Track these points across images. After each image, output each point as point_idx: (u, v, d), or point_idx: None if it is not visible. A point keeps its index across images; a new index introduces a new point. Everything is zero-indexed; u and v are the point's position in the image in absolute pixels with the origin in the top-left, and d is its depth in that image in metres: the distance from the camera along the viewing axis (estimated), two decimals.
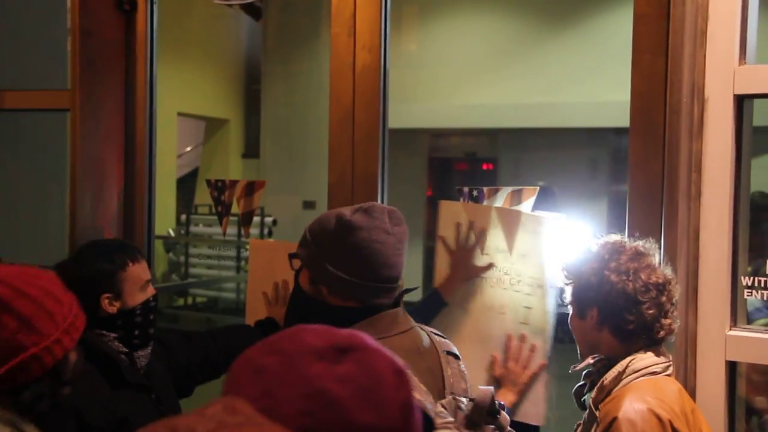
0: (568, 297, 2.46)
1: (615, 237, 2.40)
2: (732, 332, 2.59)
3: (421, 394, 1.91)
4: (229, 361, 3.04)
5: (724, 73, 2.58)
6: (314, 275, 2.19)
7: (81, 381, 2.37)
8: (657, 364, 2.28)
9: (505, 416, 2.04)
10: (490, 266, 3.03)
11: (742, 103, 2.60)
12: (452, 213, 3.12)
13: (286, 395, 1.10)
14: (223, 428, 0.97)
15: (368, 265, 2.13)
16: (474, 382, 2.36)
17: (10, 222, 4.04)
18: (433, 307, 3.03)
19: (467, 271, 3.05)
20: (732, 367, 2.61)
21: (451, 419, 1.96)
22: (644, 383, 2.24)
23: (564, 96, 9.43)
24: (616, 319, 2.28)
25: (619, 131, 9.56)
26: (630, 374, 2.26)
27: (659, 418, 2.13)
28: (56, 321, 1.98)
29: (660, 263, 2.37)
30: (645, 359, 2.28)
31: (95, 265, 2.61)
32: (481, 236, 3.04)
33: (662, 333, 2.30)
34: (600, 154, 10.04)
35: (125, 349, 2.65)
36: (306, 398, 1.10)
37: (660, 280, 2.29)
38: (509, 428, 2.10)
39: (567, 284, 2.42)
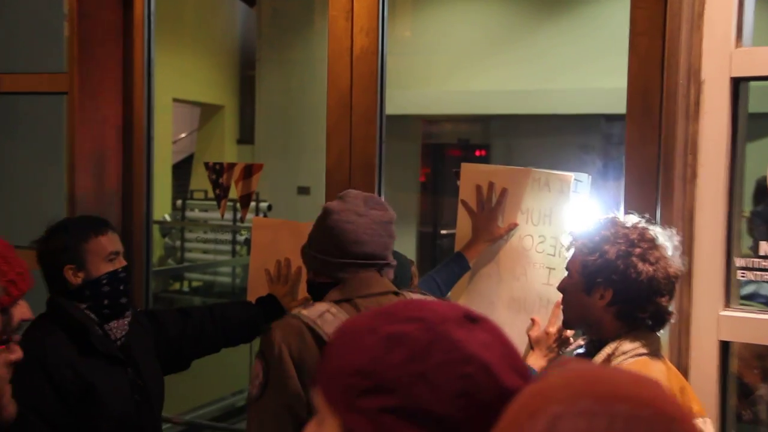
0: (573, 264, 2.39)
1: (634, 218, 2.34)
2: (725, 312, 2.61)
3: None
4: (226, 336, 3.07)
5: (720, 56, 2.59)
6: (306, 264, 2.48)
7: (50, 345, 2.54)
8: (645, 345, 2.28)
9: None
10: (513, 226, 3.02)
11: (738, 85, 2.61)
12: (473, 175, 3.11)
13: (441, 359, 1.11)
14: None
15: (338, 243, 2.34)
16: None
17: (7, 205, 4.06)
18: (457, 271, 3.05)
19: (491, 234, 3.05)
20: (725, 346, 2.64)
21: None
22: (632, 365, 2.24)
23: (555, 83, 9.46)
24: (632, 305, 2.25)
25: (609, 117, 9.60)
26: (619, 356, 2.26)
27: None
28: None
29: (673, 253, 2.30)
30: (634, 340, 2.28)
31: (57, 239, 2.71)
32: (503, 197, 3.03)
33: (666, 324, 2.32)
34: (591, 140, 10.10)
35: (97, 319, 2.71)
36: (462, 363, 1.11)
37: (678, 273, 2.28)
38: None
39: (587, 255, 2.31)
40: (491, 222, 3.05)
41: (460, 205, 3.14)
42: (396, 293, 2.36)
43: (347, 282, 2.33)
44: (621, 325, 2.29)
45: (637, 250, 2.23)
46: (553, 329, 2.82)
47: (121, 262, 2.77)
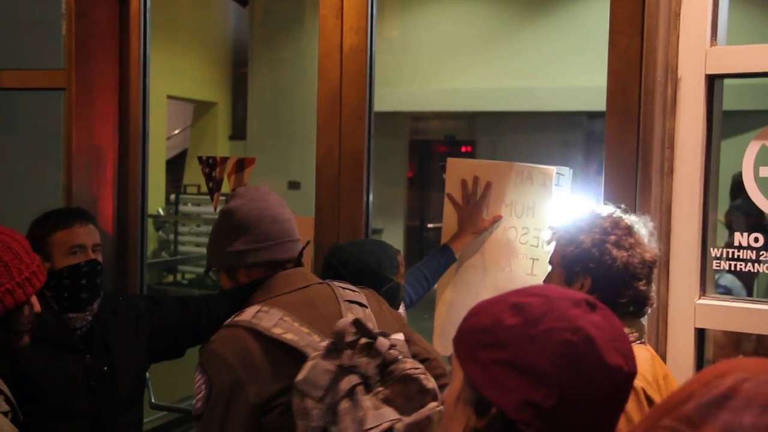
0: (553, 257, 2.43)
1: (610, 208, 2.39)
2: (701, 301, 2.69)
3: (297, 335, 2.15)
4: (220, 326, 3.11)
5: (696, 54, 2.67)
6: (228, 269, 2.41)
7: None
8: (629, 331, 2.31)
9: (381, 341, 2.08)
10: (498, 218, 3.10)
11: (713, 82, 2.69)
12: (458, 170, 3.19)
13: (550, 326, 1.29)
14: None
15: (261, 228, 2.36)
16: None
17: (4, 199, 4.10)
18: (443, 262, 3.13)
19: (476, 226, 3.13)
20: (701, 333, 2.72)
21: (320, 351, 2.09)
22: None
23: (539, 81, 9.55)
24: (611, 292, 2.26)
25: (591, 115, 9.70)
26: None
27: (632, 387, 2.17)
28: (11, 273, 2.13)
29: (648, 239, 2.36)
30: None
31: (32, 229, 2.79)
32: (488, 190, 3.11)
33: (647, 308, 2.35)
34: (573, 136, 10.23)
35: (57, 308, 2.77)
36: (569, 331, 1.27)
37: (654, 258, 2.32)
38: (397, 353, 2.11)
39: (565, 246, 2.36)
40: (476, 215, 3.13)
41: (446, 199, 3.22)
42: (320, 282, 2.38)
43: (268, 283, 2.33)
44: None
45: (612, 238, 2.28)
46: None
47: (87, 256, 2.80)
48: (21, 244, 2.21)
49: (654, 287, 2.35)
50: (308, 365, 2.05)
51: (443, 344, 3.13)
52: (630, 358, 1.32)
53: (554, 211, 2.98)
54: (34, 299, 2.22)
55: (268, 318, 2.18)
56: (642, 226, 2.36)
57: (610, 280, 2.28)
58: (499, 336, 1.31)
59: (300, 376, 2.04)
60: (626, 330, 2.29)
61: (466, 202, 3.16)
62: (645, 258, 2.30)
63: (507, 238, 3.09)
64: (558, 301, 1.32)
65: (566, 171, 3.03)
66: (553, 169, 3.01)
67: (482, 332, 1.34)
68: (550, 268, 2.47)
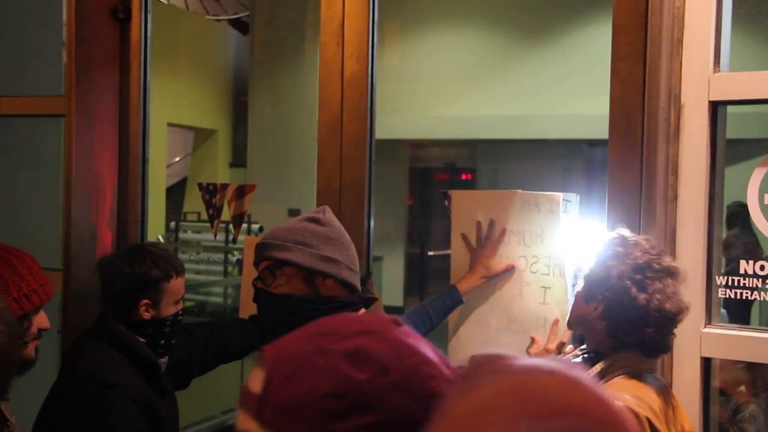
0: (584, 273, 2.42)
1: (657, 247, 2.36)
2: (707, 330, 2.65)
3: None
4: (225, 354, 3.09)
5: (699, 81, 2.65)
6: (317, 273, 2.34)
7: (129, 377, 2.56)
8: (635, 364, 2.31)
9: None
10: (511, 267, 3.04)
11: (716, 109, 2.67)
12: (463, 202, 3.15)
13: (406, 366, 1.14)
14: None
15: (352, 254, 2.38)
16: None
17: (4, 225, 4.09)
18: (449, 303, 3.07)
19: (488, 270, 3.07)
20: (707, 362, 2.68)
21: None
22: (625, 381, 2.26)
23: (539, 109, 9.60)
24: (617, 327, 2.28)
25: (591, 143, 9.73)
26: (613, 371, 2.28)
27: (637, 416, 2.11)
28: (9, 289, 2.24)
29: (678, 291, 2.32)
30: (629, 358, 2.30)
31: (144, 269, 2.68)
32: (503, 236, 3.05)
33: (656, 355, 2.34)
34: (574, 164, 10.27)
35: (153, 356, 2.73)
36: (425, 365, 1.15)
37: (675, 310, 2.28)
38: None
39: (595, 265, 2.36)
40: (490, 258, 3.07)
41: (453, 236, 3.17)
42: None
43: (374, 310, 2.38)
44: (611, 342, 2.32)
45: (638, 276, 2.25)
46: (552, 346, 2.83)
47: (181, 305, 2.78)
48: (25, 264, 2.31)
49: (671, 338, 2.31)
50: None
51: None
52: (447, 361, 1.19)
53: (563, 238, 2.96)
54: (42, 317, 2.33)
55: None
56: (678, 278, 2.32)
57: (619, 317, 2.27)
58: (357, 397, 1.09)
59: None
60: (630, 362, 2.29)
61: (480, 246, 3.11)
62: (664, 307, 2.25)
63: (517, 268, 3.06)
64: (388, 333, 1.15)
65: (573, 197, 3.00)
66: (560, 196, 2.97)
67: (331, 399, 1.09)
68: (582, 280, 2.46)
